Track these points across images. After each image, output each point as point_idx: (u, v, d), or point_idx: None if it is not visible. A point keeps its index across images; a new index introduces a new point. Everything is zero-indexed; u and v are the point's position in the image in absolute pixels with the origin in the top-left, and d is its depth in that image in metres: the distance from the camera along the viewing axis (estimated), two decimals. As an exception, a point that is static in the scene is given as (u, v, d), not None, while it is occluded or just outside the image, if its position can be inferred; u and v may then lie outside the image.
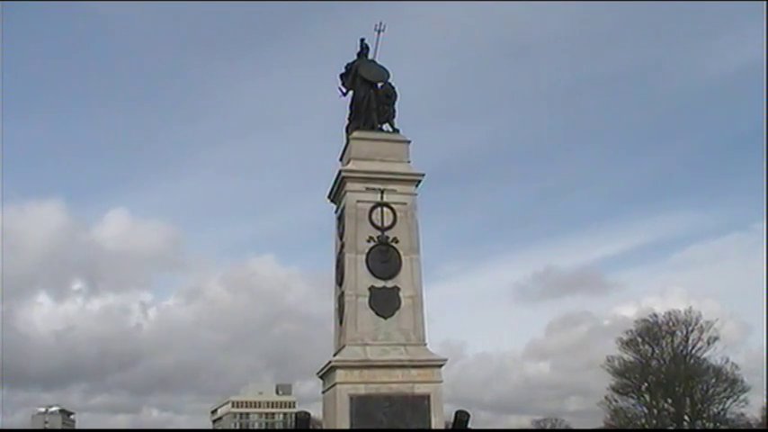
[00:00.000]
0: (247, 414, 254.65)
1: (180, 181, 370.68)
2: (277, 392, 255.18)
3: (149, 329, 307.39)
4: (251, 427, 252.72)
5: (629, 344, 79.27)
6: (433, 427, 23.72)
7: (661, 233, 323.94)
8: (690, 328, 77.72)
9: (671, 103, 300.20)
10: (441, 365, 24.58)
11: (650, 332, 78.50)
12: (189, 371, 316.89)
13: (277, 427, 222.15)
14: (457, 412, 25.30)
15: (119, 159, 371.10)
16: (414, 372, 24.01)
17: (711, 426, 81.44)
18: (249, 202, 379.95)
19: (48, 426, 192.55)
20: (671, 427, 76.00)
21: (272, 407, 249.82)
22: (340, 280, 25.83)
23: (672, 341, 78.14)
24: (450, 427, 24.76)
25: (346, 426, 23.15)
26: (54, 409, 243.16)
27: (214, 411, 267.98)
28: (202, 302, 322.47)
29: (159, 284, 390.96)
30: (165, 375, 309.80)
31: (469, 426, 25.33)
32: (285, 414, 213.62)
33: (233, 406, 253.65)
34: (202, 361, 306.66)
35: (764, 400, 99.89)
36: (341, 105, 27.52)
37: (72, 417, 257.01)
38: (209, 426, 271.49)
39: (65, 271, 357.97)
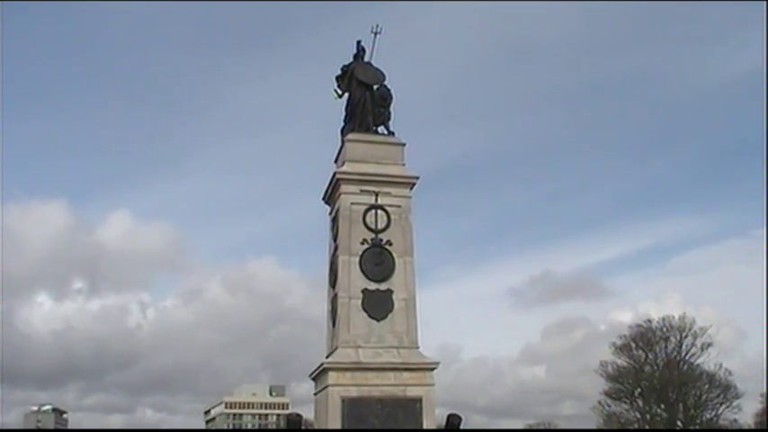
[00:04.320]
0: (240, 415, 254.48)
1: (181, 181, 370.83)
2: (270, 394, 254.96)
3: (148, 330, 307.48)
4: (244, 428, 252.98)
5: (622, 349, 79.41)
6: (425, 428, 23.74)
7: (659, 238, 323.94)
8: (684, 334, 77.91)
9: (671, 108, 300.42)
10: (433, 369, 24.57)
11: (644, 337, 78.61)
12: (186, 371, 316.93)
13: (270, 428, 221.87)
14: (449, 415, 25.31)
15: (121, 160, 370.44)
16: (406, 374, 24.00)
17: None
18: (250, 204, 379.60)
19: (40, 425, 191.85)
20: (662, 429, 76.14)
21: (266, 408, 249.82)
22: (333, 282, 25.83)
23: (665, 347, 78.28)
24: (442, 429, 24.79)
25: (337, 427, 23.12)
26: (47, 407, 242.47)
27: (207, 412, 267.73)
28: (201, 304, 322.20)
29: (159, 285, 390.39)
30: (161, 376, 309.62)
31: (461, 428, 25.39)
32: (278, 416, 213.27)
33: (226, 407, 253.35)
34: (199, 362, 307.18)
35: (758, 406, 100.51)
36: (338, 107, 27.55)
37: (65, 416, 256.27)
38: (203, 425, 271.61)
39: (66, 271, 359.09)
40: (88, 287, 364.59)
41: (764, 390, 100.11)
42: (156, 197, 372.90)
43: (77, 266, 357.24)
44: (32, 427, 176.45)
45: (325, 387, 23.84)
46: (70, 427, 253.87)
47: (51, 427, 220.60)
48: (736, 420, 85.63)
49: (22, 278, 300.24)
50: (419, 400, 23.89)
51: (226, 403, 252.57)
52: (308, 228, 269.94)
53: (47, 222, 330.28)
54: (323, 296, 26.94)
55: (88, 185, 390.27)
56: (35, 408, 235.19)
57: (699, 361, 78.22)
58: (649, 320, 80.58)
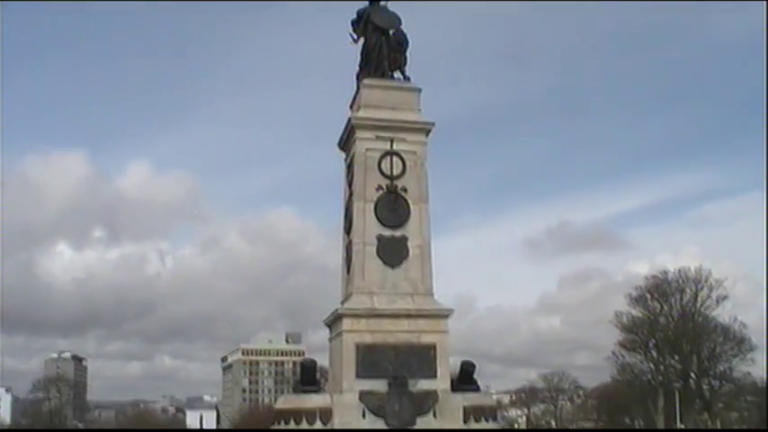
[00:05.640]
0: (257, 362, 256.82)
1: (198, 131, 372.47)
2: (287, 341, 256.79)
3: (166, 278, 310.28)
4: (260, 376, 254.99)
5: (638, 300, 79.12)
6: (438, 377, 23.76)
7: (677, 191, 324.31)
8: (699, 286, 77.49)
9: (690, 61, 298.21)
10: (447, 316, 24.53)
11: (660, 289, 78.25)
12: (203, 319, 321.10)
13: (286, 375, 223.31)
14: (462, 362, 25.38)
15: (139, 111, 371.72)
16: (420, 321, 23.98)
17: (717, 383, 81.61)
18: (267, 153, 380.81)
19: (60, 372, 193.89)
20: (677, 384, 76.19)
21: (282, 355, 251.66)
22: (348, 228, 25.70)
23: (681, 298, 77.92)
24: (455, 377, 24.83)
25: (352, 373, 23.19)
26: (66, 354, 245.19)
27: (224, 359, 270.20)
28: (219, 252, 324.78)
29: (177, 234, 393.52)
30: (179, 323, 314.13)
31: (475, 376, 25.43)
32: (294, 363, 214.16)
33: (243, 354, 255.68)
34: (217, 310, 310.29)
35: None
36: (353, 53, 27.17)
37: (84, 363, 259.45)
38: (220, 372, 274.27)
39: (86, 220, 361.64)
40: (108, 236, 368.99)
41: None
42: (174, 147, 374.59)
43: (97, 215, 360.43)
44: (53, 373, 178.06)
45: (340, 333, 23.85)
46: (90, 373, 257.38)
47: (71, 373, 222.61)
48: (749, 373, 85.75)
49: (42, 228, 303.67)
50: (433, 347, 23.87)
51: (242, 350, 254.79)
52: (325, 177, 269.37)
53: (67, 172, 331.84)
54: (340, 245, 26.83)
55: (107, 136, 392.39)
56: (55, 355, 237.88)
57: (714, 313, 78.04)
58: (665, 272, 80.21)
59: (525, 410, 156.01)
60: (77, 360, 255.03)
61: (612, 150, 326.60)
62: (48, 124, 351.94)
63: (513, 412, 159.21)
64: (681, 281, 78.02)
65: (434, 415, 23.12)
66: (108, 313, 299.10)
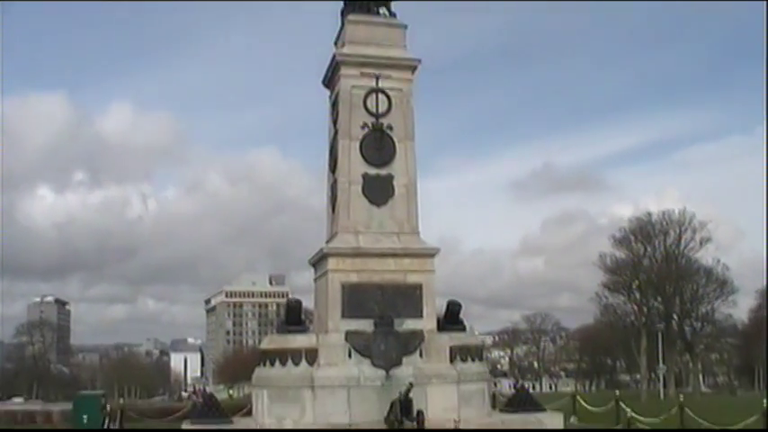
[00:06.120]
0: (241, 304, 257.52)
1: (179, 71, 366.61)
2: (270, 283, 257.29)
3: (149, 221, 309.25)
4: (244, 318, 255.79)
5: (621, 241, 79.10)
6: (425, 316, 23.62)
7: (661, 134, 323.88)
8: (683, 228, 77.53)
9: (677, 2, 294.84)
10: (433, 255, 24.36)
11: (643, 231, 78.23)
12: (186, 262, 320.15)
13: (270, 317, 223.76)
14: (449, 302, 25.27)
15: (119, 49, 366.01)
16: (406, 261, 23.79)
17: (699, 325, 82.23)
18: (250, 92, 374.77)
19: (43, 316, 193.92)
20: (660, 326, 76.62)
21: (265, 297, 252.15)
22: (333, 167, 25.37)
23: (665, 240, 77.95)
24: (441, 317, 24.69)
25: (337, 313, 23.01)
26: (49, 298, 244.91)
27: (207, 301, 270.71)
28: (202, 194, 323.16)
29: (160, 176, 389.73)
30: (162, 266, 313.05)
31: (461, 316, 25.30)
32: (278, 304, 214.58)
33: (226, 296, 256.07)
34: (200, 252, 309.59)
35: (753, 302, 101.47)
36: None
37: (67, 307, 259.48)
38: (204, 315, 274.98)
39: (67, 163, 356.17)
40: (89, 179, 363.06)
41: (760, 287, 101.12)
42: (156, 87, 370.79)
43: (78, 158, 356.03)
44: (36, 318, 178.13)
45: (325, 273, 23.62)
46: (73, 316, 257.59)
47: (55, 317, 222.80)
48: (731, 315, 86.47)
49: (22, 171, 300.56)
50: (419, 287, 23.73)
51: (226, 292, 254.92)
52: (309, 117, 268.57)
53: (47, 114, 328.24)
54: (325, 187, 26.50)
55: (87, 76, 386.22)
56: (38, 299, 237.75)
57: (697, 255, 78.23)
58: (649, 214, 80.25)
59: (508, 351, 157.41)
60: (60, 304, 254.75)
61: (597, 92, 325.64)
62: (26, 65, 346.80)
63: (495, 353, 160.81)
64: (665, 223, 77.98)
65: (421, 355, 23.03)
66: (90, 257, 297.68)
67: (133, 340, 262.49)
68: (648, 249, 78.96)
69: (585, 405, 29.28)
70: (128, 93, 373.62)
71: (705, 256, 78.32)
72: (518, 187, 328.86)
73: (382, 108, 24.64)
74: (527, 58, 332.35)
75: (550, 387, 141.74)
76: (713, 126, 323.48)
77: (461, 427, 16.72)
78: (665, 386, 75.86)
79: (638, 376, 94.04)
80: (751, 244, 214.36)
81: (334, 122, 25.52)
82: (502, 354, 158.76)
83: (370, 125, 24.48)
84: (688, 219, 77.96)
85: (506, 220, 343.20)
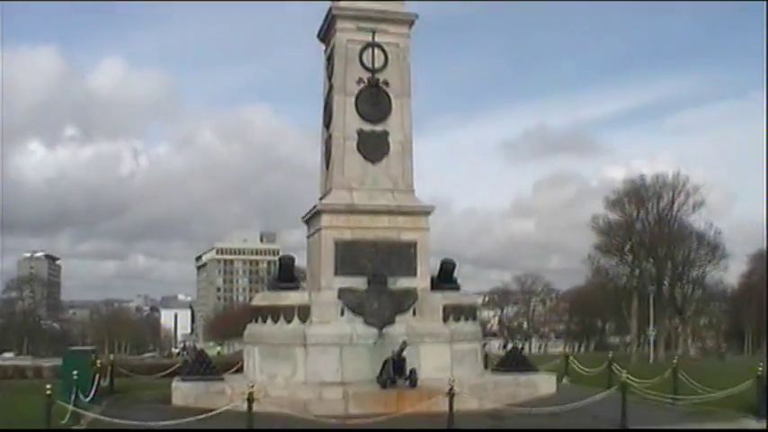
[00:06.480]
0: (231, 261, 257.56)
1: (175, 26, 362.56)
2: (261, 240, 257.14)
3: (140, 177, 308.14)
4: (235, 275, 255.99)
5: (615, 204, 78.80)
6: (418, 275, 23.41)
7: (654, 97, 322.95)
8: (676, 192, 77.29)
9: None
10: (429, 213, 24.09)
11: (637, 193, 77.88)
12: (178, 218, 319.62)
13: (260, 274, 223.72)
14: (443, 261, 25.08)
15: (114, 4, 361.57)
16: (401, 218, 23.54)
17: (690, 289, 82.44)
18: (245, 49, 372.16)
19: (33, 272, 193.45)
20: (651, 289, 76.70)
21: (256, 254, 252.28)
22: (327, 123, 25.01)
23: (658, 203, 77.76)
24: (435, 275, 24.48)
25: (330, 270, 22.78)
26: (39, 254, 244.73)
27: (198, 258, 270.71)
28: (194, 151, 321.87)
29: (152, 132, 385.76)
30: (154, 222, 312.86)
31: (454, 275, 25.09)
32: (269, 262, 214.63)
33: (217, 253, 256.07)
34: (192, 209, 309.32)
35: (744, 267, 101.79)
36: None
37: (57, 262, 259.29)
38: (195, 272, 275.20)
39: (58, 118, 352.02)
40: (81, 134, 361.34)
41: (750, 252, 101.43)
42: (149, 42, 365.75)
43: (69, 113, 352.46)
44: (26, 273, 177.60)
45: (319, 230, 23.35)
46: (63, 272, 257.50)
47: (45, 273, 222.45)
48: (721, 280, 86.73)
49: (13, 126, 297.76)
50: (413, 245, 23.50)
51: (217, 249, 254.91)
52: (303, 74, 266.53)
53: (38, 68, 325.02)
54: (318, 144, 26.14)
55: (79, 29, 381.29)
56: (28, 254, 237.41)
57: (690, 219, 78.02)
58: (643, 177, 79.97)
59: (498, 312, 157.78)
60: (51, 260, 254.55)
61: (592, 55, 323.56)
62: (16, 17, 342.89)
63: (485, 314, 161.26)
64: (658, 186, 77.64)
65: (414, 313, 22.87)
66: (81, 213, 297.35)
67: (124, 296, 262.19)
68: (641, 212, 78.84)
69: (578, 366, 29.16)
70: (120, 48, 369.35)
71: (698, 220, 78.28)
72: (511, 148, 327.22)
73: (378, 63, 24.25)
74: (523, 18, 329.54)
75: (540, 348, 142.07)
76: (707, 90, 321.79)
77: (455, 387, 16.52)
78: (655, 349, 76.08)
79: (628, 339, 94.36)
80: (742, 209, 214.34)
81: (329, 77, 25.09)
82: (492, 314, 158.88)
83: (365, 80, 24.11)
84: (681, 182, 77.82)
85: (498, 180, 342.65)
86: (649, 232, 77.20)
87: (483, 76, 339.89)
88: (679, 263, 79.21)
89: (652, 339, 76.11)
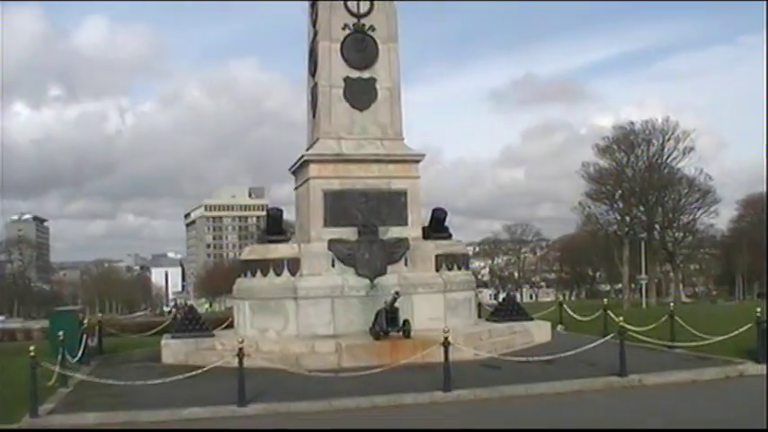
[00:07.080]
0: (220, 218, 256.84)
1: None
2: (250, 196, 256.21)
3: (127, 136, 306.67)
4: (224, 231, 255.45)
5: (605, 150, 78.64)
6: (410, 224, 22.98)
7: (642, 43, 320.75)
8: (666, 138, 77.03)
9: None
10: (418, 161, 23.59)
11: (627, 140, 77.68)
12: (166, 176, 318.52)
13: (250, 230, 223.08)
14: (434, 210, 24.61)
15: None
16: (390, 167, 23.02)
17: (681, 235, 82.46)
18: (230, 2, 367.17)
19: (21, 234, 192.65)
20: (642, 235, 76.70)
21: (245, 210, 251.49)
22: (313, 71, 24.38)
23: (648, 150, 77.47)
24: (426, 225, 24.06)
25: (320, 221, 22.32)
26: (27, 216, 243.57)
27: (187, 215, 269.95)
28: (181, 107, 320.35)
29: (138, 90, 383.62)
30: (142, 181, 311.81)
31: (446, 224, 24.66)
32: (258, 217, 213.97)
33: (206, 210, 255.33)
34: (180, 166, 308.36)
35: (734, 212, 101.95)
36: None
37: (46, 224, 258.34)
38: (184, 229, 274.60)
39: (43, 78, 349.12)
40: (66, 94, 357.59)
41: (740, 197, 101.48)
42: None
43: (54, 73, 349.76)
44: (14, 236, 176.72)
45: (307, 180, 22.84)
46: (52, 234, 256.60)
47: (33, 235, 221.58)
48: (712, 225, 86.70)
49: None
50: (404, 194, 23.03)
51: (205, 206, 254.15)
52: (289, 27, 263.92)
53: (21, 28, 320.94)
54: (305, 94, 25.50)
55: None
56: (16, 217, 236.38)
57: (680, 165, 77.83)
58: (632, 123, 79.60)
59: (488, 262, 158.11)
60: (39, 221, 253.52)
61: (580, 2, 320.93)
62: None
63: (476, 263, 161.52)
64: (648, 132, 77.49)
65: (406, 263, 22.47)
66: (68, 173, 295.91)
67: (114, 256, 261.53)
68: (631, 159, 78.67)
69: (572, 314, 28.88)
70: (104, 6, 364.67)
71: (688, 166, 78.06)
72: (499, 97, 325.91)
73: (364, 8, 23.58)
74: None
75: (531, 297, 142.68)
76: (695, 36, 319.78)
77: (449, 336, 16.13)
78: (646, 296, 76.19)
79: (619, 286, 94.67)
80: (732, 155, 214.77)
81: (314, 24, 24.42)
82: (482, 264, 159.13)
83: (351, 26, 23.45)
84: (671, 128, 77.54)
85: (487, 130, 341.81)
86: (639, 178, 77.15)
87: (470, 25, 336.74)
88: (669, 209, 79.21)
89: (644, 286, 76.30)
